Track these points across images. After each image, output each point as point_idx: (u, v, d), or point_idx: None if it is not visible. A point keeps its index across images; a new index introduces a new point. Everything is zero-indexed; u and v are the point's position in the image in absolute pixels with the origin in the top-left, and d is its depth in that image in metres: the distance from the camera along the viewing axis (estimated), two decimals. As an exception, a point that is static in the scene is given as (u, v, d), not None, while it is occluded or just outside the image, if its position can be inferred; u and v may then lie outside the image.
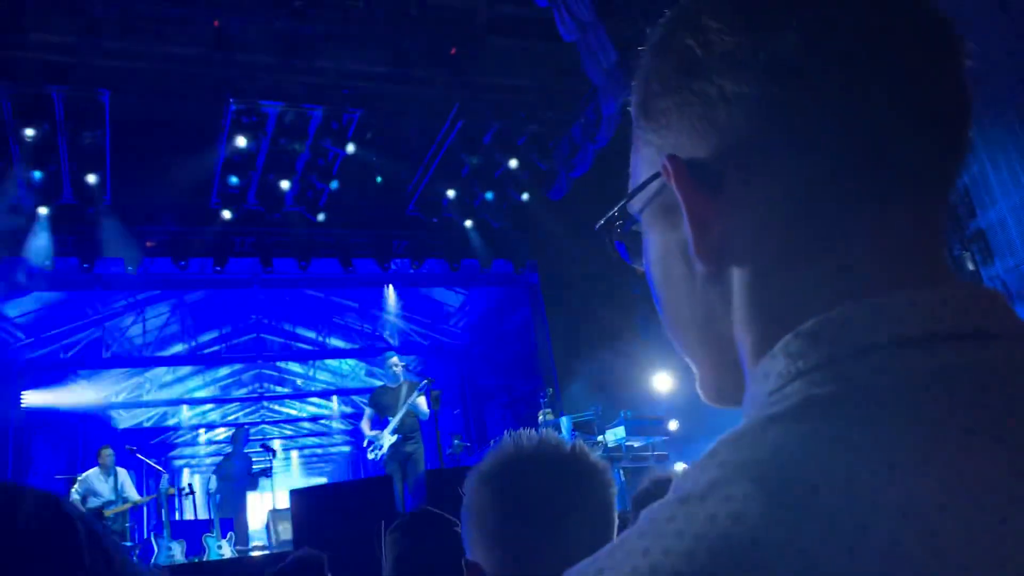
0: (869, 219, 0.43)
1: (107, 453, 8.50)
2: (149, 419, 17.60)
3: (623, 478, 6.89)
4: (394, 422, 7.31)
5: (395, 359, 7.75)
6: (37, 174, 7.97)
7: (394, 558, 1.91)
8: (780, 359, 0.43)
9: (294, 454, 22.74)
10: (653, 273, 0.53)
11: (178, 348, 14.34)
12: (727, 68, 0.45)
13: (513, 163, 9.14)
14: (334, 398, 7.62)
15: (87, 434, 12.72)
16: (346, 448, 22.02)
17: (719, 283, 0.48)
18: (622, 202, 0.55)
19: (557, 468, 1.04)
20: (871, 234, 0.43)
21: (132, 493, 8.52)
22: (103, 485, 8.29)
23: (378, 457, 7.43)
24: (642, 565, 0.35)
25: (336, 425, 20.11)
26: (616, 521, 1.07)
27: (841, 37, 0.42)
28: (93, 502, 8.14)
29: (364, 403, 7.98)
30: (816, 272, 0.44)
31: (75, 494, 8.13)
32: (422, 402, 7.26)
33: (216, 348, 15.61)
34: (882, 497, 0.33)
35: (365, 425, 7.71)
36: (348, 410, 18.53)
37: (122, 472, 8.59)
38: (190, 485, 10.75)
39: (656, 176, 0.50)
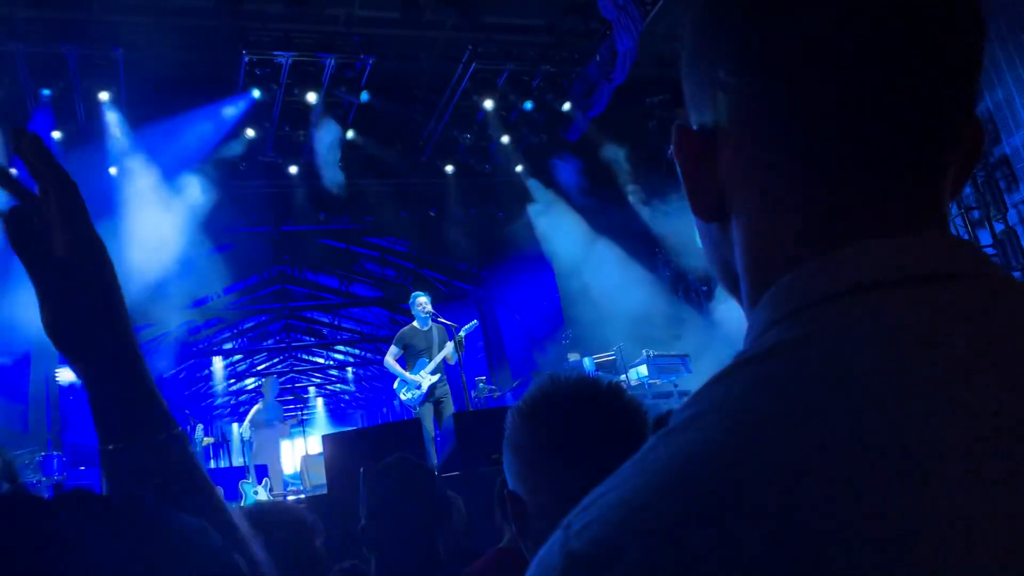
0: (843, 179, 0.48)
1: None
2: (180, 371, 17.94)
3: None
4: (432, 364, 7.31)
5: (423, 299, 7.48)
6: (56, 134, 8.02)
7: (368, 503, 2.00)
8: (763, 310, 0.49)
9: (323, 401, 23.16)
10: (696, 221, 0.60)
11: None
12: (725, 57, 0.51)
13: (528, 105, 9.05)
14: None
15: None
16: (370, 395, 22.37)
17: (726, 236, 0.55)
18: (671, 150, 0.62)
19: (593, 404, 1.10)
20: (842, 193, 0.48)
21: None
22: None
23: (415, 398, 7.31)
24: (627, 485, 0.42)
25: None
26: None
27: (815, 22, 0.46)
28: None
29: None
30: (793, 231, 0.49)
31: None
32: (450, 347, 7.20)
33: (242, 299, 15.80)
34: (826, 425, 0.39)
35: (391, 361, 7.54)
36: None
37: None
38: (224, 434, 11.05)
39: None
